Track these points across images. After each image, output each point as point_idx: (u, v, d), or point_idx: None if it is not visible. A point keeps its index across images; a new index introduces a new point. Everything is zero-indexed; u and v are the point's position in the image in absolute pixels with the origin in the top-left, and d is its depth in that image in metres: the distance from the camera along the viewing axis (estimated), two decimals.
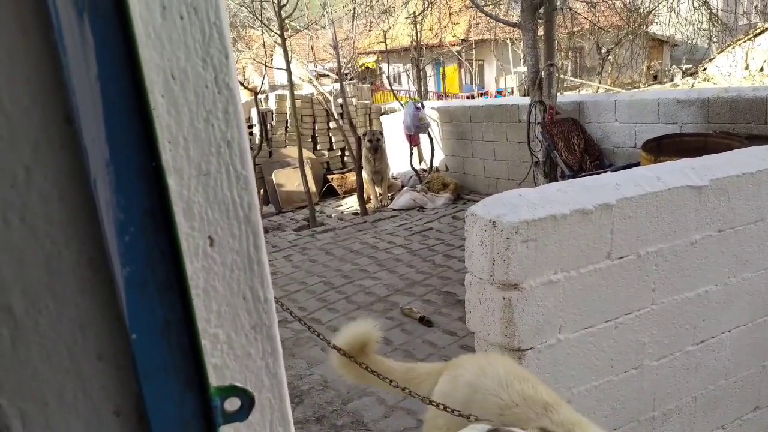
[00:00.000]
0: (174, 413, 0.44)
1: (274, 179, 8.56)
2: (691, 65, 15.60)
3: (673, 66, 17.47)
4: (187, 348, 0.44)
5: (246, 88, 9.66)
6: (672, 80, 14.75)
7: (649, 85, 15.24)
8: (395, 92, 11.25)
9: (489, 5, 8.64)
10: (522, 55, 8.68)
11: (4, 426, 0.42)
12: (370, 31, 16.06)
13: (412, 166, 8.10)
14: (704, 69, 13.69)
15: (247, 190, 0.50)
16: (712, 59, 13.74)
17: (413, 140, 8.00)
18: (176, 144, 0.46)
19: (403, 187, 8.12)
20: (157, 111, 0.44)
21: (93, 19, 0.39)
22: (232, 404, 0.47)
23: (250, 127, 9.47)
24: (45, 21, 0.39)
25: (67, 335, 0.43)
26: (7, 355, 0.41)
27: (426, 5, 11.78)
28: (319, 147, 9.75)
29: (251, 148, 9.12)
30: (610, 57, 15.75)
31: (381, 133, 8.21)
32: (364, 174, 7.63)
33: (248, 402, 0.48)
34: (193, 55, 0.46)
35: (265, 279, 0.51)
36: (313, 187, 8.09)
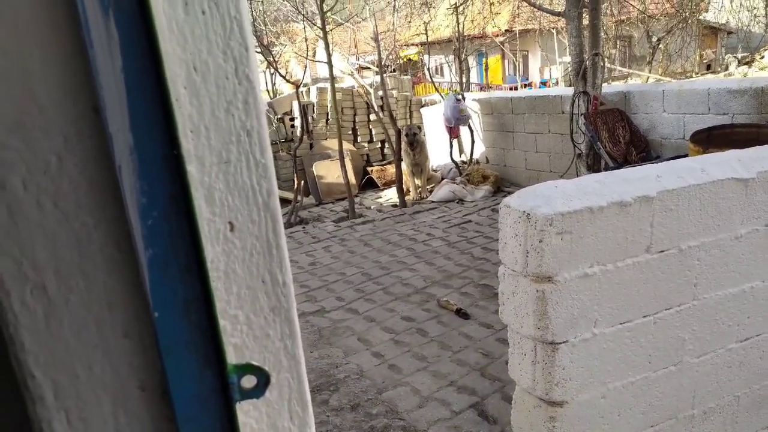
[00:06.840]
0: (194, 389, 0.47)
1: (314, 171, 8.66)
2: (746, 53, 14.95)
3: (728, 54, 16.77)
4: (206, 327, 0.47)
5: (288, 81, 9.77)
6: (726, 69, 14.16)
7: (702, 74, 14.69)
8: (436, 84, 11.18)
9: None
10: (567, 45, 8.50)
11: (38, 396, 0.45)
12: (410, 23, 15.99)
13: (452, 158, 8.06)
14: (761, 57, 13.11)
15: (266, 178, 0.51)
16: None
17: (453, 132, 7.95)
18: (198, 133, 0.48)
19: (442, 179, 8.09)
20: (179, 102, 0.46)
21: (117, 15, 0.42)
22: (249, 381, 0.49)
23: (292, 119, 9.59)
24: (74, 18, 0.42)
25: (96, 312, 0.46)
26: (42, 331, 0.44)
27: None
28: (359, 139, 9.80)
29: (292, 140, 9.25)
30: (660, 46, 15.25)
31: (419, 127, 8.19)
32: (404, 166, 7.63)
33: (264, 380, 0.50)
34: (215, 48, 0.48)
35: (284, 263, 0.53)
36: (352, 179, 8.15)
